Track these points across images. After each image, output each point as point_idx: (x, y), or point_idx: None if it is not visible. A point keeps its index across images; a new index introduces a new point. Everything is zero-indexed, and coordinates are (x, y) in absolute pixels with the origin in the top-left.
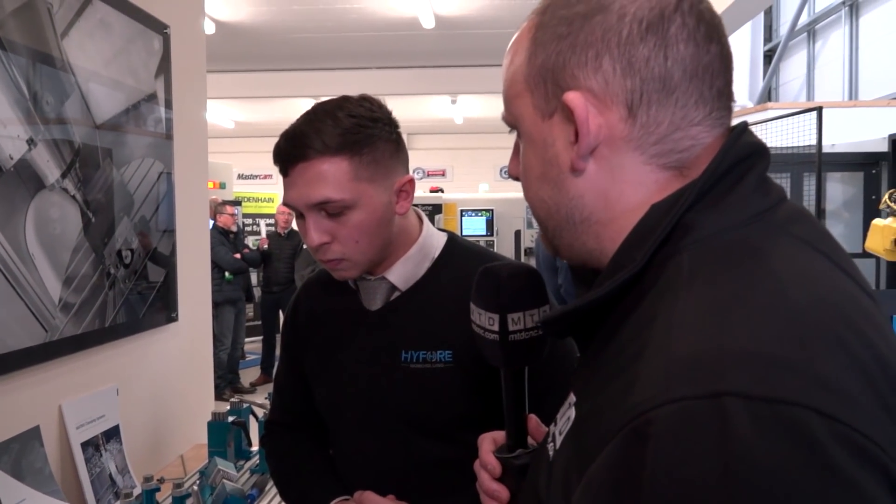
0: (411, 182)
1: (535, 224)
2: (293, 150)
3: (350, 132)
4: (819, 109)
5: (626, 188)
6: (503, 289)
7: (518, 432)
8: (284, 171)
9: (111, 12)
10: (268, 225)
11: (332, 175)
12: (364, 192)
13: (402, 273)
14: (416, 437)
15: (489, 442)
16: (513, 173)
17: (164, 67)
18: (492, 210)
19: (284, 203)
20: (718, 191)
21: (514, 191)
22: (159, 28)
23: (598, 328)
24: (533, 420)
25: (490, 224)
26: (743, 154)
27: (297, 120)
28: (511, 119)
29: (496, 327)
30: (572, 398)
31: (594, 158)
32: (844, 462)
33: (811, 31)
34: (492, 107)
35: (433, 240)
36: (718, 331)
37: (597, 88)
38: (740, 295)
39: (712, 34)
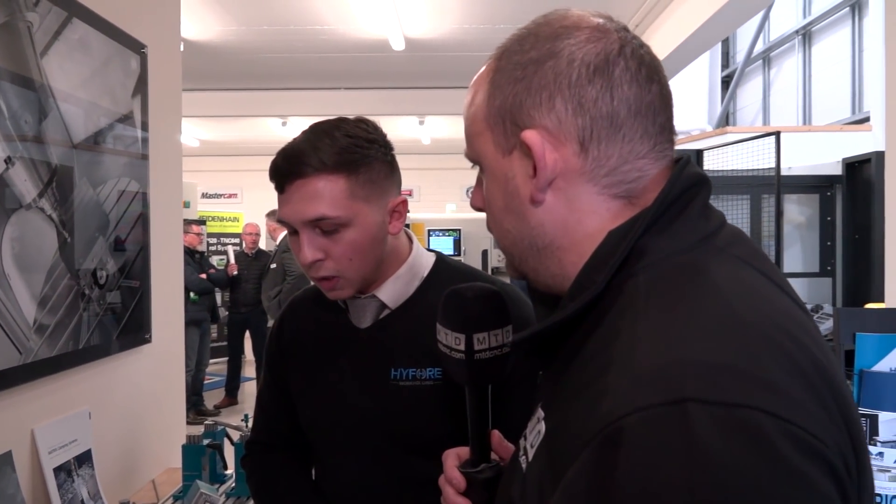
0: (404, 203)
1: None
2: (290, 167)
3: (347, 151)
4: (777, 134)
5: (582, 217)
6: (469, 310)
7: (482, 448)
8: (280, 188)
9: (90, 32)
10: (234, 245)
11: (328, 192)
12: (359, 210)
13: (392, 291)
14: (404, 455)
15: (453, 457)
16: (477, 205)
17: (141, 87)
18: (459, 230)
19: (278, 219)
20: (667, 218)
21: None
22: (137, 48)
23: (560, 347)
24: (496, 436)
25: (458, 244)
26: (688, 184)
27: (295, 139)
28: (473, 155)
29: (462, 347)
30: (540, 413)
31: (552, 190)
32: (792, 455)
33: (766, 59)
34: (459, 128)
35: (422, 259)
36: (677, 345)
37: (551, 126)
38: (694, 312)
39: (653, 75)
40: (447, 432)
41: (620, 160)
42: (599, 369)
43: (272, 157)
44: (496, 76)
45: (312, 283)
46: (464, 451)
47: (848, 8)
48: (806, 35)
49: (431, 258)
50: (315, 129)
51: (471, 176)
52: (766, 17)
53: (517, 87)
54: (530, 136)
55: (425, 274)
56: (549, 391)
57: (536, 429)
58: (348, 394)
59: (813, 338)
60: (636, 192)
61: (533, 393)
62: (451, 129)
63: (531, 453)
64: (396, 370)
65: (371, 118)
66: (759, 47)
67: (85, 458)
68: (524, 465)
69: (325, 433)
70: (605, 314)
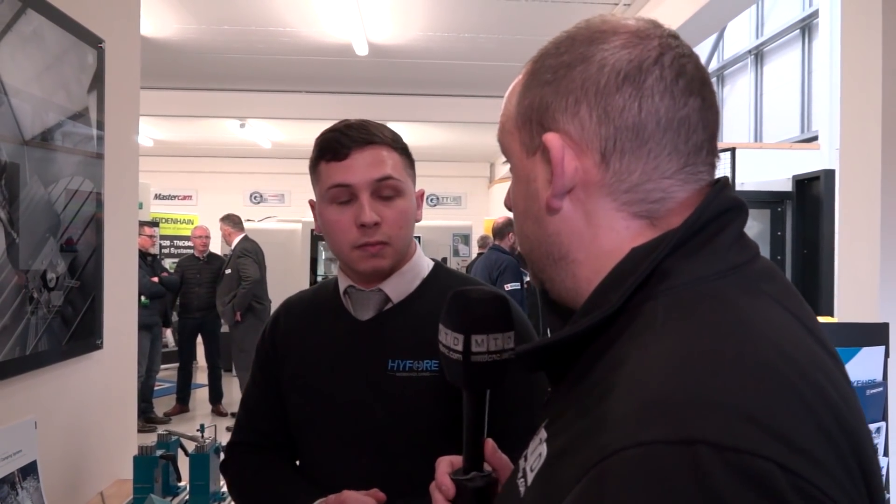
0: (422, 195)
1: (461, 252)
2: (359, 135)
3: (395, 135)
4: (733, 150)
5: (599, 232)
6: (470, 310)
7: (474, 455)
8: (345, 155)
9: (45, 24)
10: (180, 250)
11: (391, 160)
12: (408, 184)
13: (397, 286)
14: (397, 446)
15: (446, 464)
16: (507, 204)
17: (98, 83)
18: (419, 237)
19: (337, 184)
20: (697, 241)
21: (441, 219)
22: (94, 42)
23: (570, 366)
24: (490, 445)
25: None
26: (723, 208)
27: (339, 124)
28: (504, 153)
29: (460, 347)
30: (543, 434)
31: (570, 200)
32: None
33: (720, 77)
34: (420, 134)
35: (423, 261)
36: (691, 379)
37: (574, 133)
38: (713, 346)
39: (693, 88)
40: (438, 421)
41: (643, 177)
42: (601, 395)
43: (230, 159)
44: (529, 78)
45: (352, 254)
46: (457, 459)
47: (798, 31)
48: (758, 55)
49: (431, 262)
50: (349, 121)
51: (431, 184)
52: (720, 37)
53: (545, 90)
54: (551, 138)
55: (425, 274)
56: (553, 412)
57: (538, 451)
58: (344, 383)
59: (838, 388)
60: (659, 213)
61: (537, 409)
62: (413, 136)
63: (530, 477)
64: (394, 362)
65: (332, 122)
66: (714, 65)
67: (30, 470)
68: (522, 489)
69: (318, 424)
70: (618, 337)
